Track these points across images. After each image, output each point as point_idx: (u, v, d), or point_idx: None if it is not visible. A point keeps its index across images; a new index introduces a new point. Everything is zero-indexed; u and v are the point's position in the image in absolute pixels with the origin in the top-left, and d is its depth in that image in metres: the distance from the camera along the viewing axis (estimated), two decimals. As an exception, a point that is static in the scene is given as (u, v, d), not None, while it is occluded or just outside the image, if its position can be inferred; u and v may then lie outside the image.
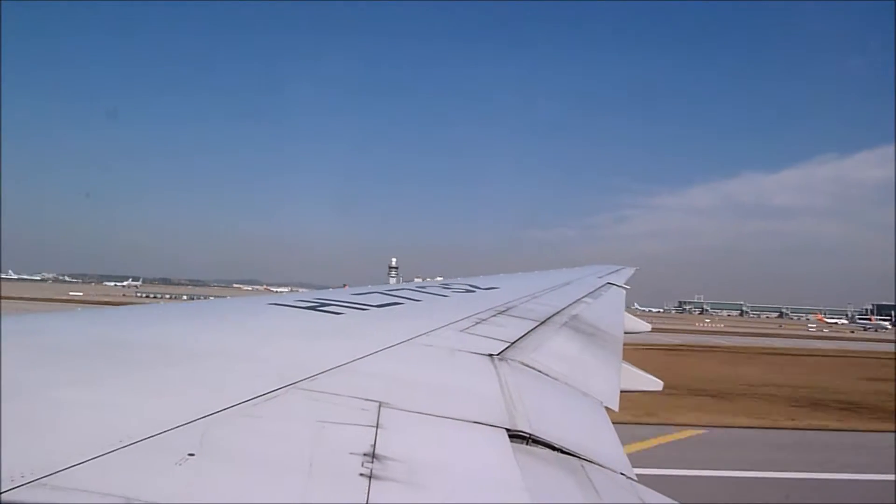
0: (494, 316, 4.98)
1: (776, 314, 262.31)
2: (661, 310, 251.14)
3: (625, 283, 12.26)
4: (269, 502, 1.47)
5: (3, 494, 1.24)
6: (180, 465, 1.51)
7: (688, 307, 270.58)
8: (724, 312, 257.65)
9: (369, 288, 5.75)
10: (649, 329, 10.61)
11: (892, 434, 22.36)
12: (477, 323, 4.44)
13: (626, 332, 7.13)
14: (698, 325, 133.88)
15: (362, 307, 4.37)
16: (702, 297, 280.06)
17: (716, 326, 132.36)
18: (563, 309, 6.53)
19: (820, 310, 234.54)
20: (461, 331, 4.04)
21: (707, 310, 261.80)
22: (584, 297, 8.27)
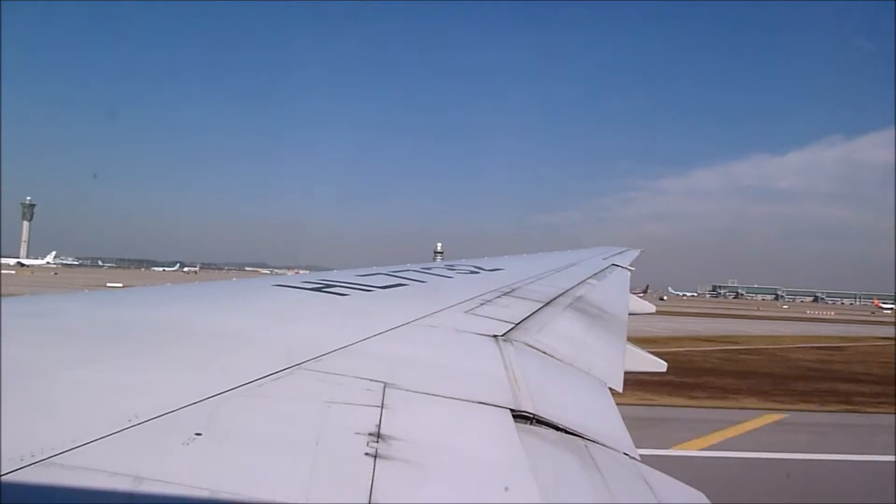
0: (499, 297, 4.98)
1: (811, 298, 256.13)
2: (695, 294, 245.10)
3: (629, 265, 12.24)
4: (275, 481, 1.48)
5: (13, 473, 1.25)
6: (188, 444, 1.53)
7: (722, 291, 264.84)
8: (759, 297, 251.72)
9: (374, 269, 5.75)
10: (653, 311, 10.60)
11: None
12: (481, 304, 4.45)
13: (630, 314, 7.13)
14: (760, 310, 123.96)
15: (367, 288, 4.38)
16: (736, 281, 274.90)
17: (768, 311, 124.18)
18: (568, 290, 6.53)
19: (876, 295, 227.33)
20: (466, 312, 4.05)
21: (742, 294, 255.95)
22: (588, 278, 8.27)
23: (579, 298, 6.25)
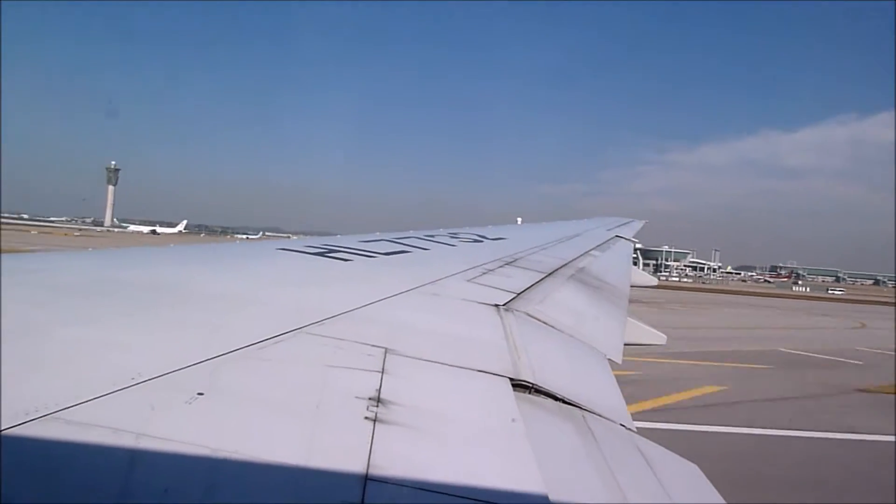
0: (501, 266, 4.98)
1: (871, 281, 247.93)
2: (753, 274, 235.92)
3: (633, 237, 12.21)
4: (276, 442, 1.50)
5: (16, 427, 1.27)
6: (190, 403, 1.55)
7: (782, 273, 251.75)
8: (819, 279, 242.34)
9: (377, 235, 5.75)
10: (655, 283, 10.60)
11: None
12: (484, 273, 4.45)
13: (632, 286, 7.14)
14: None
15: (370, 254, 4.38)
16: (795, 262, 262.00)
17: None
18: (571, 261, 6.53)
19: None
20: (468, 280, 4.06)
21: (803, 275, 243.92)
22: (591, 249, 8.26)
23: (581, 269, 6.25)
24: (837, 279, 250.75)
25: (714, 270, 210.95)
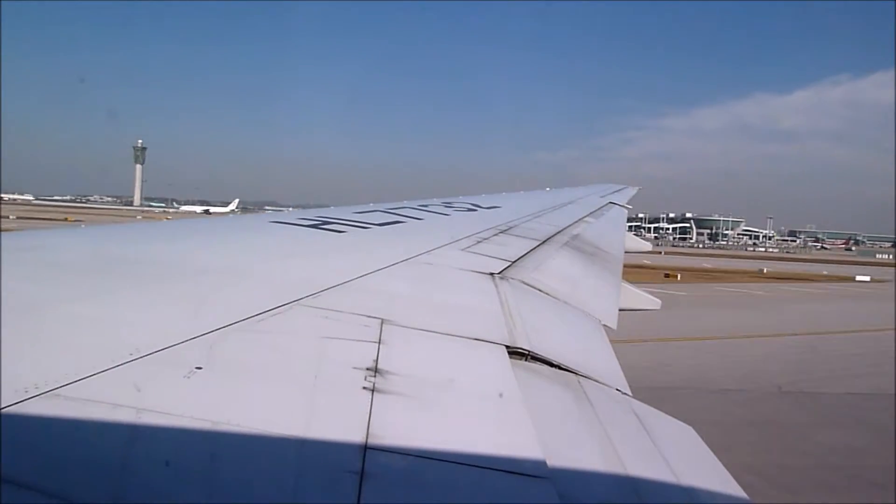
0: (496, 235, 4.98)
1: (890, 244, 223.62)
2: (797, 241, 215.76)
3: (627, 203, 12.21)
4: (275, 414, 1.52)
5: (17, 405, 1.28)
6: (189, 377, 1.56)
7: (801, 237, 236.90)
8: (829, 243, 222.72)
9: (371, 206, 5.73)
10: (650, 248, 10.65)
11: None
12: (478, 242, 4.45)
13: (626, 252, 7.16)
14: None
15: (364, 226, 4.37)
16: (814, 226, 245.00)
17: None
18: (565, 228, 6.54)
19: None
20: (462, 249, 4.06)
21: (861, 241, 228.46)
22: (585, 216, 8.26)
23: (576, 237, 6.26)
24: (856, 242, 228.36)
25: (769, 238, 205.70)
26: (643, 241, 10.47)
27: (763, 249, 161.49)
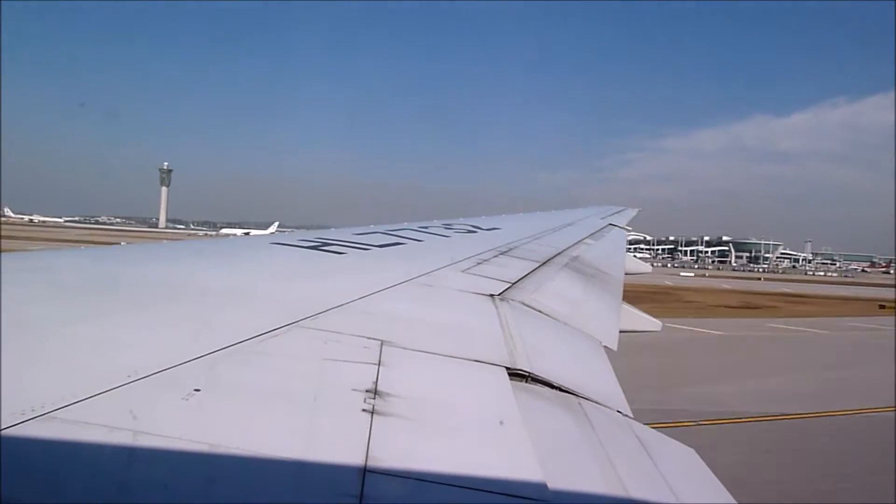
0: (496, 256, 4.99)
1: None
2: (837, 263, 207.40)
3: (626, 225, 12.24)
4: (274, 436, 1.50)
5: (14, 427, 1.27)
6: (187, 399, 1.55)
7: (816, 258, 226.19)
8: (854, 265, 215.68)
9: (371, 228, 5.74)
10: (650, 270, 10.65)
11: None
12: (478, 263, 4.46)
13: (626, 273, 7.16)
14: None
15: (364, 247, 4.38)
16: (830, 248, 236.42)
17: None
18: (565, 250, 6.54)
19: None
20: (463, 271, 4.06)
21: (876, 263, 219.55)
22: (585, 238, 8.27)
23: (576, 258, 6.26)
24: (872, 264, 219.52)
25: (809, 261, 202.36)
26: (643, 263, 10.47)
27: (811, 273, 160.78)
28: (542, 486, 1.54)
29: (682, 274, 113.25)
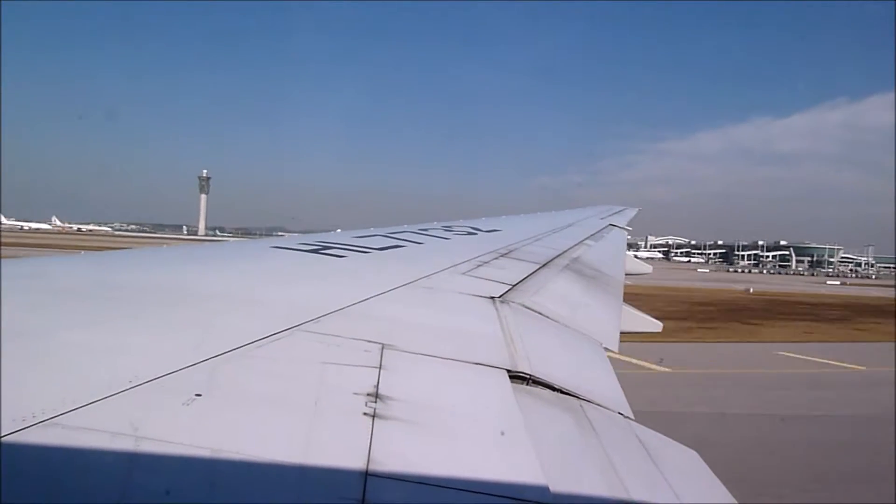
0: (496, 258, 4.99)
1: None
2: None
3: (627, 224, 12.24)
4: (275, 441, 1.50)
5: (15, 434, 1.27)
6: (188, 405, 1.55)
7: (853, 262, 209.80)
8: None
9: (371, 231, 5.74)
10: (650, 271, 10.64)
11: None
12: (479, 265, 4.46)
13: (627, 274, 7.16)
14: None
15: (364, 250, 4.38)
16: (869, 249, 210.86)
17: None
18: (565, 251, 6.55)
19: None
20: (463, 273, 4.06)
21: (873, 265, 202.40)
22: (586, 238, 8.28)
23: (576, 259, 6.26)
24: None
25: (871, 265, 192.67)
26: (644, 264, 10.46)
27: (873, 277, 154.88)
28: (543, 489, 1.54)
29: (828, 283, 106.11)
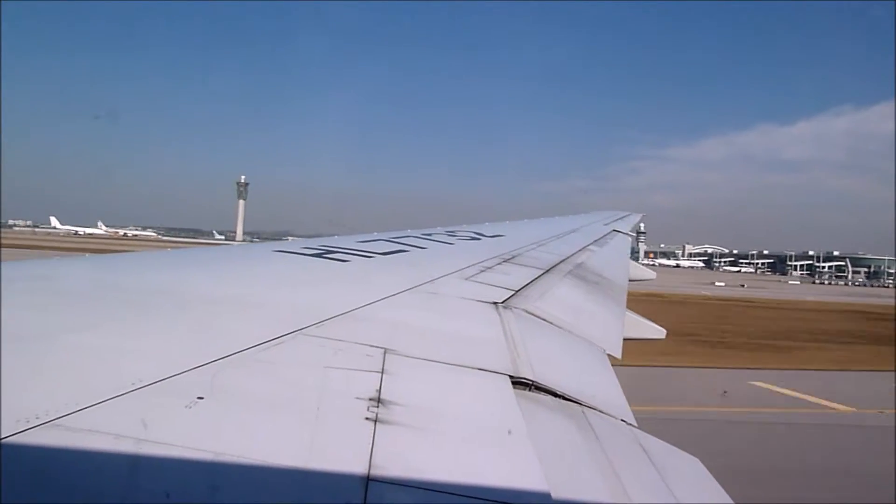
0: (499, 264, 4.98)
1: None
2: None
3: (630, 230, 12.22)
4: (277, 445, 1.50)
5: (18, 435, 1.27)
6: (190, 407, 1.55)
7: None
8: None
9: (375, 235, 5.74)
10: (654, 277, 10.61)
11: None
12: (482, 271, 4.45)
13: (630, 280, 7.15)
14: None
15: (368, 255, 4.38)
16: (869, 252, 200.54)
17: None
18: (569, 257, 6.54)
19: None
20: (466, 279, 4.06)
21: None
22: (589, 244, 8.27)
23: (579, 265, 6.25)
24: None
25: None
26: (647, 270, 10.43)
27: None
28: (545, 496, 1.53)
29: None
